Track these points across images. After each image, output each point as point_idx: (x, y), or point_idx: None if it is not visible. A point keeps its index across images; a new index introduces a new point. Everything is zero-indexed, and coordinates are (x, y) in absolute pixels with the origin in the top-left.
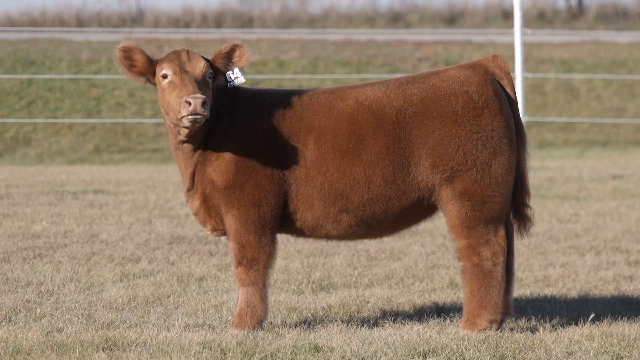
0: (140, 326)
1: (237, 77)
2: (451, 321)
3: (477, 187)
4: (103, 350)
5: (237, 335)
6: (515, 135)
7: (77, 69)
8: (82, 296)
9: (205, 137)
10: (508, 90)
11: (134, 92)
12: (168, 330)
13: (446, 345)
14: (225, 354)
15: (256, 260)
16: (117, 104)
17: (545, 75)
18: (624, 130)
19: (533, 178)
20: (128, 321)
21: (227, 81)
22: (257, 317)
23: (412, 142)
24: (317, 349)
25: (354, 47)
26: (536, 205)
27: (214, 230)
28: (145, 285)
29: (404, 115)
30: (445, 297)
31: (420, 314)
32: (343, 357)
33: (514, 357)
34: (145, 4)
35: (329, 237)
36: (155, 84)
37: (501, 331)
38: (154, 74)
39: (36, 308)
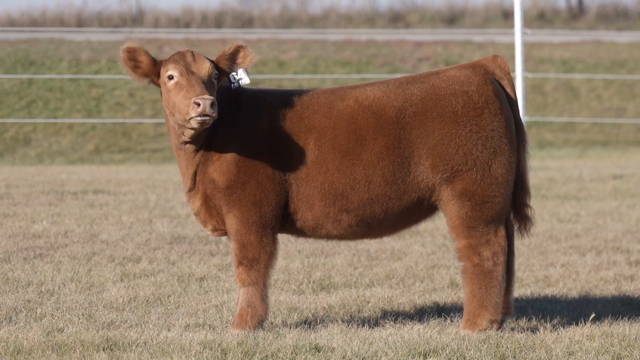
0: (141, 326)
1: (241, 78)
2: (452, 321)
3: (478, 187)
4: (104, 350)
5: (237, 335)
6: (515, 135)
7: (77, 69)
8: (82, 296)
9: (208, 138)
10: (508, 90)
11: (134, 92)
12: (169, 330)
13: (447, 345)
14: (225, 354)
15: (257, 260)
16: (117, 104)
17: (546, 75)
18: (624, 130)
19: (533, 178)
20: (129, 321)
21: (231, 82)
22: (257, 317)
23: (412, 142)
24: (317, 349)
25: (354, 47)
26: (537, 205)
27: (214, 230)
28: (145, 285)
29: (404, 115)
30: (445, 297)
31: (420, 314)
32: (344, 357)
33: (514, 357)
34: (146, 4)
35: (329, 237)
36: (159, 85)
37: (502, 331)
38: (158, 75)
39: (37, 308)
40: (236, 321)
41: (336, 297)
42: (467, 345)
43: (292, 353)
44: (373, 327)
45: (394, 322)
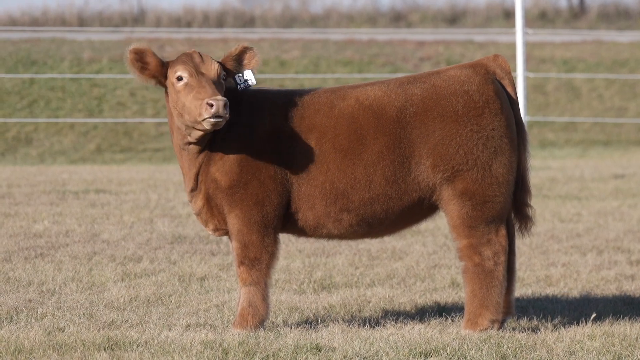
0: (142, 326)
1: (247, 79)
2: (453, 321)
3: (478, 187)
4: (105, 349)
5: (238, 334)
6: (516, 135)
7: (79, 68)
8: (83, 296)
9: (211, 139)
10: (509, 89)
11: (136, 91)
12: (170, 329)
13: (448, 345)
14: (226, 354)
15: (258, 260)
16: (119, 103)
17: (547, 74)
18: (625, 130)
19: (535, 178)
20: (129, 321)
21: (237, 83)
22: (258, 316)
23: (413, 141)
24: (318, 348)
25: (355, 47)
26: (538, 205)
27: (215, 230)
28: (146, 284)
29: (405, 115)
30: (446, 296)
31: (421, 314)
32: (344, 357)
33: (515, 356)
34: (147, 3)
35: (330, 236)
36: (165, 86)
37: (503, 331)
38: (165, 77)
39: (38, 308)
40: (237, 321)
41: (337, 296)
42: (468, 345)
43: (293, 353)
44: (374, 327)
45: (395, 322)
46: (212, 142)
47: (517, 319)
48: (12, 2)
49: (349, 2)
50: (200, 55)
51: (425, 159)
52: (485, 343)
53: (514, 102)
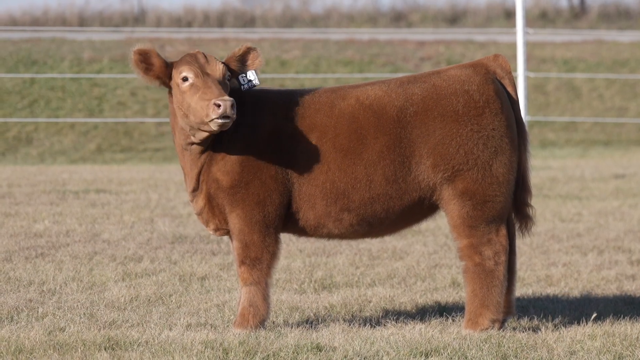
0: (143, 325)
1: (251, 79)
2: (453, 320)
3: (479, 187)
4: (105, 349)
5: (239, 334)
6: (516, 135)
7: (79, 68)
8: (84, 295)
9: (214, 139)
10: (509, 89)
11: (136, 91)
12: (170, 329)
13: (448, 345)
14: (227, 354)
15: (259, 260)
16: (119, 103)
17: (548, 74)
18: (626, 129)
19: (535, 178)
20: (130, 320)
21: (240, 84)
22: (259, 316)
23: (413, 141)
24: (319, 348)
25: (356, 47)
26: (538, 205)
27: (216, 229)
28: (147, 284)
29: (405, 115)
30: (447, 296)
31: (422, 314)
32: (345, 357)
33: (516, 356)
34: (147, 3)
35: (330, 236)
36: (170, 87)
37: (503, 330)
38: (169, 77)
39: (38, 307)
40: (238, 320)
41: (338, 296)
42: (468, 345)
43: (293, 352)
44: (374, 327)
45: (396, 322)
46: (214, 143)
47: (518, 319)
48: (12, 2)
49: (349, 2)
50: (205, 56)
51: (425, 158)
52: (485, 343)
53: (514, 102)
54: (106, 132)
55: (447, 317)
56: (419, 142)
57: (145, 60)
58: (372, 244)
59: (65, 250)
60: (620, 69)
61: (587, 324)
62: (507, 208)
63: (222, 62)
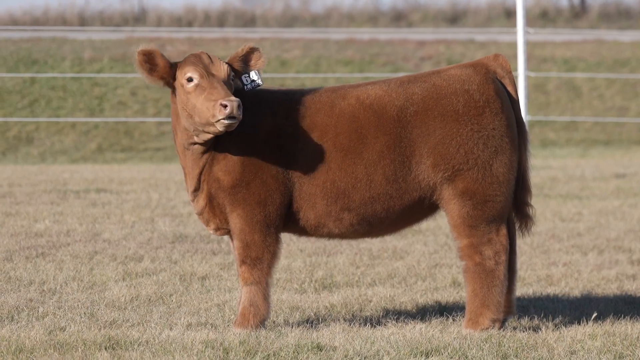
0: (143, 325)
1: (254, 79)
2: (454, 320)
3: (479, 186)
4: (105, 349)
5: (239, 334)
6: (516, 134)
7: (80, 67)
8: (84, 295)
9: (217, 139)
10: (509, 89)
11: (137, 91)
12: (170, 329)
13: (449, 345)
14: (227, 353)
15: (260, 260)
16: (120, 102)
17: (548, 74)
18: (626, 129)
19: (536, 177)
20: (130, 320)
21: (244, 84)
22: (259, 316)
23: (414, 141)
24: (319, 347)
25: (356, 46)
26: (539, 204)
27: (217, 229)
28: (147, 284)
29: (405, 114)
30: (447, 296)
31: (422, 313)
32: (345, 356)
33: (516, 356)
34: (148, 2)
35: (331, 235)
36: (174, 88)
37: (504, 330)
38: (174, 78)
39: (39, 307)
40: (238, 320)
41: (338, 296)
42: (469, 344)
43: (294, 352)
44: (375, 326)
45: (396, 321)
46: (216, 143)
47: (518, 319)
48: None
49: (349, 2)
50: (209, 56)
51: (425, 158)
52: (486, 342)
53: (514, 102)
54: (107, 131)
55: (448, 317)
56: (419, 141)
57: (149, 60)
58: (372, 244)
59: (66, 250)
60: (620, 69)
61: (587, 323)
62: (507, 208)
63: (226, 63)
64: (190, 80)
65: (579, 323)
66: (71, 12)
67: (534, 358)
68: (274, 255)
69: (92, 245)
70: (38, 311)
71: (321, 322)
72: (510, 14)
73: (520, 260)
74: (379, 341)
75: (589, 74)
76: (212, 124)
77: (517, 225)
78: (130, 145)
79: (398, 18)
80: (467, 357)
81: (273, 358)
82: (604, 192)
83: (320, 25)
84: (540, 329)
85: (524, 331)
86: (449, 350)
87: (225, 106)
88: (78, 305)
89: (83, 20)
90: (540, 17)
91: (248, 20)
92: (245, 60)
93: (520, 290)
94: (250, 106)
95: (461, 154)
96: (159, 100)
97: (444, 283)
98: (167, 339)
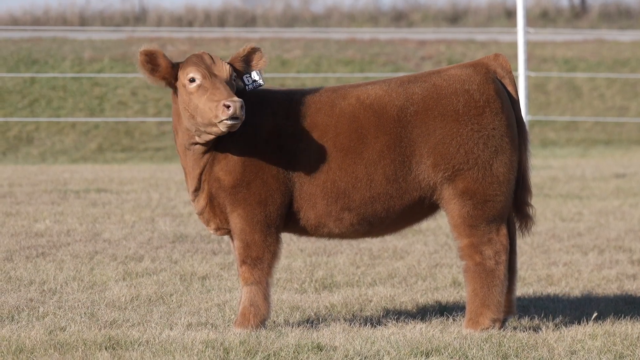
0: (143, 325)
1: (255, 79)
2: (454, 320)
3: (479, 186)
4: (106, 349)
5: (240, 334)
6: (516, 134)
7: (80, 67)
8: (84, 295)
9: (218, 139)
10: (510, 88)
11: (137, 90)
12: (171, 329)
13: (449, 344)
14: (228, 353)
15: (260, 260)
16: (120, 102)
17: (548, 74)
18: (626, 129)
19: (536, 177)
20: (131, 320)
21: (245, 84)
22: (260, 316)
23: (414, 140)
24: (319, 347)
25: (357, 46)
26: (539, 204)
27: (217, 229)
28: (148, 284)
29: (406, 114)
30: (448, 296)
31: (423, 313)
32: (346, 356)
33: (516, 355)
34: (148, 2)
35: (331, 235)
36: (175, 88)
37: (504, 330)
38: (176, 78)
39: (39, 307)
40: (238, 320)
41: (338, 296)
42: (469, 344)
43: (294, 352)
44: (375, 326)
45: (396, 321)
46: (217, 143)
47: (519, 318)
48: (13, 1)
49: (350, 2)
50: (211, 57)
51: (426, 158)
52: (486, 342)
53: (514, 102)
54: (107, 131)
55: (448, 317)
56: (419, 141)
57: (151, 61)
58: (372, 244)
59: (66, 250)
60: (621, 69)
61: (587, 323)
62: (507, 207)
63: (228, 63)
64: (192, 80)
65: (579, 323)
66: (71, 12)
67: (534, 358)
68: (274, 255)
69: (93, 245)
70: (38, 311)
71: (321, 322)
72: (510, 13)
73: (521, 260)
74: (379, 341)
75: (589, 74)
76: (215, 125)
77: (517, 225)
78: (130, 145)
79: (398, 18)
80: (467, 357)
81: (273, 358)
82: (604, 192)
83: (320, 25)
84: (541, 329)
85: (524, 331)
86: (449, 350)
87: (228, 107)
88: (78, 305)
89: (83, 20)
90: (540, 17)
91: (248, 20)
92: (246, 61)
93: (520, 290)
94: (251, 106)
95: (461, 153)
96: (160, 100)
97: (444, 283)
98: (168, 339)
